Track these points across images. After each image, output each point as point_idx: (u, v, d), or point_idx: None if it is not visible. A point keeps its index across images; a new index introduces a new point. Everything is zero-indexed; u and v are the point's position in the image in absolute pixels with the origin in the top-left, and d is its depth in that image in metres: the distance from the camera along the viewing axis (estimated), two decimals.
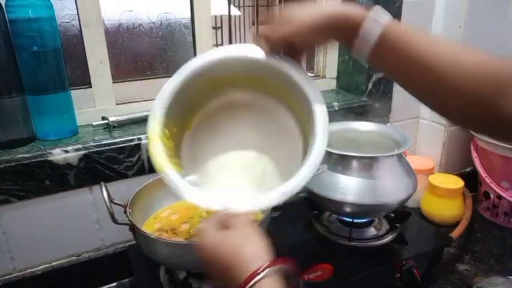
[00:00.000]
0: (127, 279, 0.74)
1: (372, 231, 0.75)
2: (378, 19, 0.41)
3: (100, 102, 0.80)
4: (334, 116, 0.91)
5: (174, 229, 0.64)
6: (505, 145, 0.86)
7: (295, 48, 0.48)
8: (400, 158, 0.71)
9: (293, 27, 0.43)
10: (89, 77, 0.77)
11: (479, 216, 0.97)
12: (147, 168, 0.73)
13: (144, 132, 0.73)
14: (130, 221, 0.57)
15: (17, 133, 0.67)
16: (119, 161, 0.70)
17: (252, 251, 0.41)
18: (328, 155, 0.70)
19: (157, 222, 0.66)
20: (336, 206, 0.69)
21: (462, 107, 0.41)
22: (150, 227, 0.65)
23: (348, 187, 0.66)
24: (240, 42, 3.06)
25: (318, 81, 1.05)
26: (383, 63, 0.44)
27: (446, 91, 0.41)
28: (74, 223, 0.71)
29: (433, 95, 0.43)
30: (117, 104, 0.81)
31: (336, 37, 0.45)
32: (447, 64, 0.40)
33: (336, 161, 0.69)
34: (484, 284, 0.69)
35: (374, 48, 0.42)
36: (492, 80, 0.39)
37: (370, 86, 0.96)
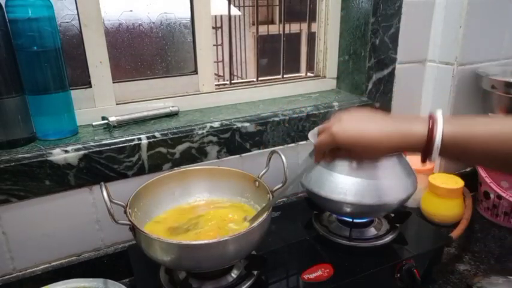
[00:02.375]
0: (127, 279, 0.74)
1: (372, 231, 0.75)
2: (437, 141, 0.44)
3: (100, 102, 0.80)
4: None
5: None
6: None
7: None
8: (400, 158, 0.71)
9: (354, 159, 0.54)
10: (89, 77, 0.77)
11: (479, 216, 0.97)
12: (147, 168, 0.74)
13: (145, 132, 0.73)
14: (130, 221, 0.57)
15: (17, 133, 0.67)
16: (119, 161, 0.70)
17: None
18: None
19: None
20: (336, 206, 0.69)
21: None
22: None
23: (348, 187, 0.66)
24: (240, 42, 3.08)
25: (318, 81, 1.05)
26: (456, 160, 0.52)
27: None
28: (74, 223, 0.71)
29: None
30: (117, 104, 0.81)
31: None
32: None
33: (336, 161, 0.69)
34: (484, 284, 0.69)
35: (442, 155, 0.45)
36: None
37: (370, 86, 0.96)
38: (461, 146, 0.44)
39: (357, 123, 0.50)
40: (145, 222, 0.66)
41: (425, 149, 0.45)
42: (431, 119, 0.45)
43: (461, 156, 0.46)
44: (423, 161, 0.47)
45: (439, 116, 0.45)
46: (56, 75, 0.68)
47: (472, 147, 0.43)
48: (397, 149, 0.48)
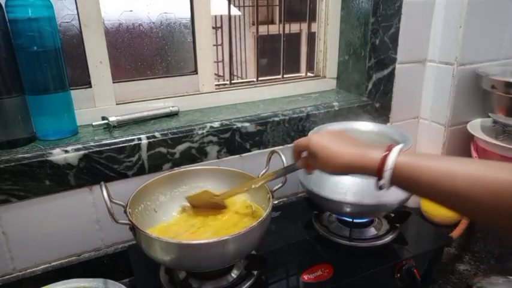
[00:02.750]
0: (127, 279, 0.74)
1: (372, 231, 0.75)
2: (388, 164, 0.47)
3: (100, 102, 0.80)
4: (334, 116, 0.91)
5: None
6: (505, 145, 0.86)
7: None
8: None
9: (318, 166, 0.55)
10: (89, 77, 0.77)
11: None
12: (147, 168, 0.74)
13: (145, 132, 0.73)
14: (130, 220, 0.57)
15: (17, 133, 0.67)
16: (119, 161, 0.70)
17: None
18: None
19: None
20: (336, 206, 0.69)
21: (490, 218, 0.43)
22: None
23: (348, 187, 0.66)
24: (240, 42, 3.08)
25: (318, 81, 1.05)
26: (407, 191, 0.53)
27: (473, 208, 0.43)
28: (74, 223, 0.71)
29: (462, 211, 0.47)
30: (117, 104, 0.81)
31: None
32: (467, 186, 0.42)
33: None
34: (484, 284, 0.69)
35: (392, 184, 0.48)
36: None
37: (370, 86, 0.96)
38: (409, 175, 0.47)
39: (330, 137, 0.55)
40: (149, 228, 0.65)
41: (377, 173, 0.48)
42: (389, 148, 0.49)
43: (410, 186, 0.48)
44: (377, 186, 0.50)
45: (397, 147, 0.49)
46: (56, 75, 0.68)
47: (419, 178, 0.46)
48: (353, 167, 0.51)
